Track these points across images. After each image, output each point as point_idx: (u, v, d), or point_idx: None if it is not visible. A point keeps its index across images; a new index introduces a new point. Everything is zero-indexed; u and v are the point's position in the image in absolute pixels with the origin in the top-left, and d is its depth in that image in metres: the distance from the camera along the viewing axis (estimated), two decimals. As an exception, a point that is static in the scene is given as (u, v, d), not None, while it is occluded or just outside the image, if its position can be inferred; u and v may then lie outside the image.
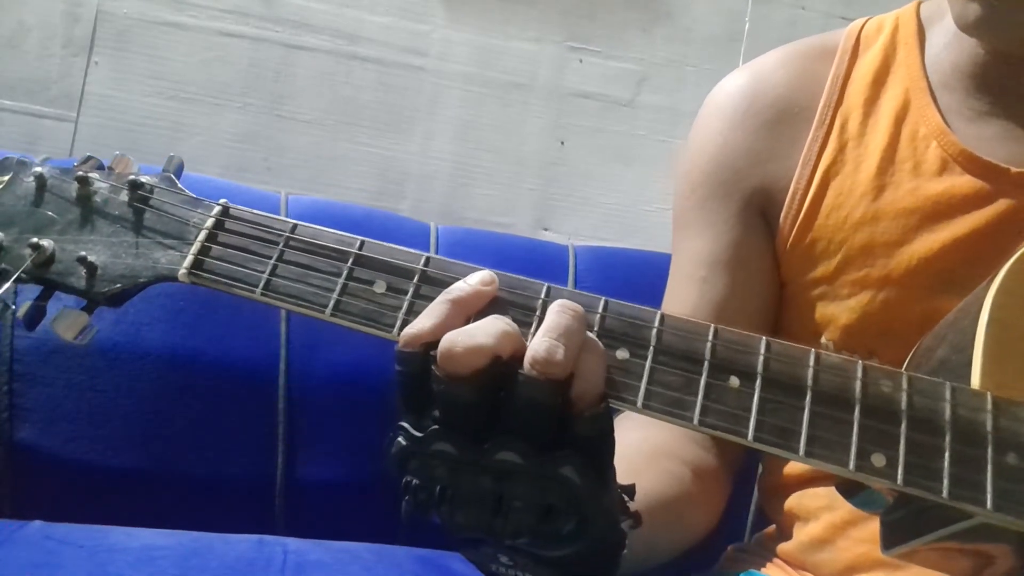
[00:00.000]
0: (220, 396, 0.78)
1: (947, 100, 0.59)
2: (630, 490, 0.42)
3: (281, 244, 0.42)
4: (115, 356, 0.76)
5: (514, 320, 0.38)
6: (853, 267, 0.59)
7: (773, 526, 0.68)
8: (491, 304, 0.39)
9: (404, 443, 0.37)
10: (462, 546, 0.41)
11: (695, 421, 0.37)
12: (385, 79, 1.09)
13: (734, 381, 0.38)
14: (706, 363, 0.38)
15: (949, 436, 0.36)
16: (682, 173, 0.68)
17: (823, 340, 0.60)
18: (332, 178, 1.07)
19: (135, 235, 0.44)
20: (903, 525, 0.39)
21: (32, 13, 1.01)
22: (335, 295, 0.41)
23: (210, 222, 0.43)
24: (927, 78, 0.60)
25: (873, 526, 0.43)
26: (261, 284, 0.42)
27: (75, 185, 0.45)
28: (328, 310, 0.41)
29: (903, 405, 0.37)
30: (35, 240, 0.43)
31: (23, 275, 0.43)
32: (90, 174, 0.45)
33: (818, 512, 0.61)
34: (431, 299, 0.39)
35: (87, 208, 0.45)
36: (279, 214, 0.86)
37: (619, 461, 0.39)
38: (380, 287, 0.41)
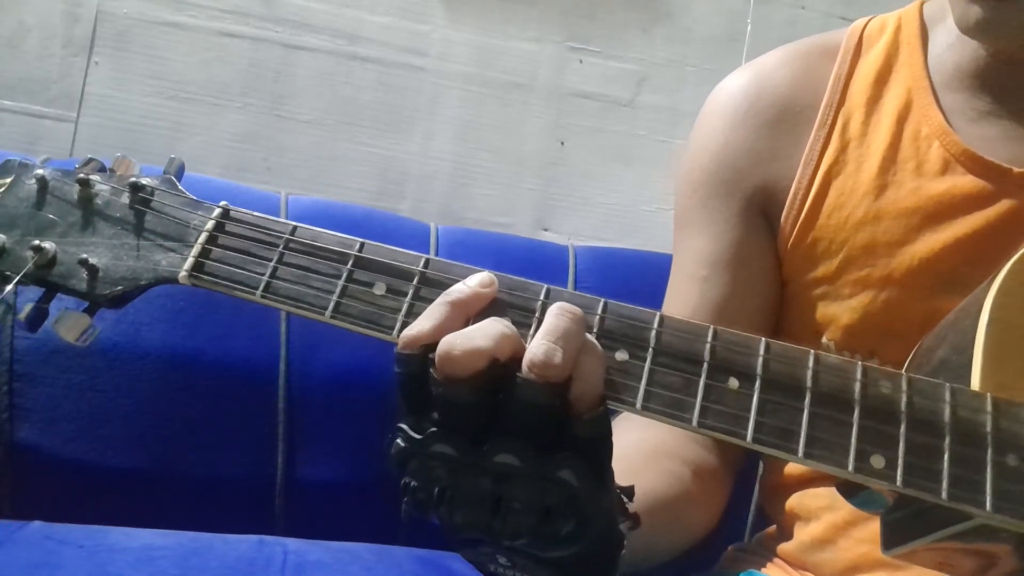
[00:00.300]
0: (220, 396, 0.78)
1: (950, 100, 0.59)
2: (629, 491, 0.42)
3: (281, 246, 0.43)
4: (115, 356, 0.76)
5: (513, 321, 0.38)
6: (854, 267, 0.59)
7: (774, 526, 0.68)
8: (490, 306, 0.39)
9: (403, 444, 0.37)
10: (461, 547, 0.41)
11: (694, 423, 0.37)
12: (385, 79, 1.08)
13: (733, 382, 0.38)
14: (705, 364, 0.38)
15: (949, 437, 0.36)
16: (683, 172, 0.68)
17: (824, 340, 0.60)
18: (332, 178, 1.07)
19: (136, 237, 0.44)
20: (903, 525, 0.39)
21: (32, 13, 1.01)
22: (335, 297, 0.41)
23: (210, 224, 0.43)
24: (930, 78, 0.60)
25: (874, 526, 0.43)
26: (261, 286, 0.42)
27: (76, 187, 0.45)
28: (328, 312, 0.41)
29: (903, 406, 0.37)
30: (37, 242, 0.43)
31: (25, 277, 0.43)
32: (91, 176, 0.45)
33: (819, 512, 0.61)
34: (431, 301, 0.39)
35: (88, 210, 0.45)
36: (279, 214, 0.86)
37: (619, 460, 0.39)
38: (380, 289, 0.41)
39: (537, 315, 0.39)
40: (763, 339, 0.39)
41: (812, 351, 0.38)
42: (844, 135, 0.61)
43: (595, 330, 0.39)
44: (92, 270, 0.43)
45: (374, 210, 0.99)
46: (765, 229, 0.63)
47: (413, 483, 0.37)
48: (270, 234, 0.43)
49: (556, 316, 0.37)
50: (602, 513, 0.38)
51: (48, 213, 0.45)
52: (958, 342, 0.41)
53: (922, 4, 0.63)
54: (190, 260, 0.43)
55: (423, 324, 0.38)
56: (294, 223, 0.43)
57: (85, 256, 0.43)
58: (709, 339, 0.39)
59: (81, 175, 0.45)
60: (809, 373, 0.38)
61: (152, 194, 0.45)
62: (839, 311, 0.59)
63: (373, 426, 0.80)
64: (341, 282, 0.41)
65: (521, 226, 1.11)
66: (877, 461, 0.36)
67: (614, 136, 1.14)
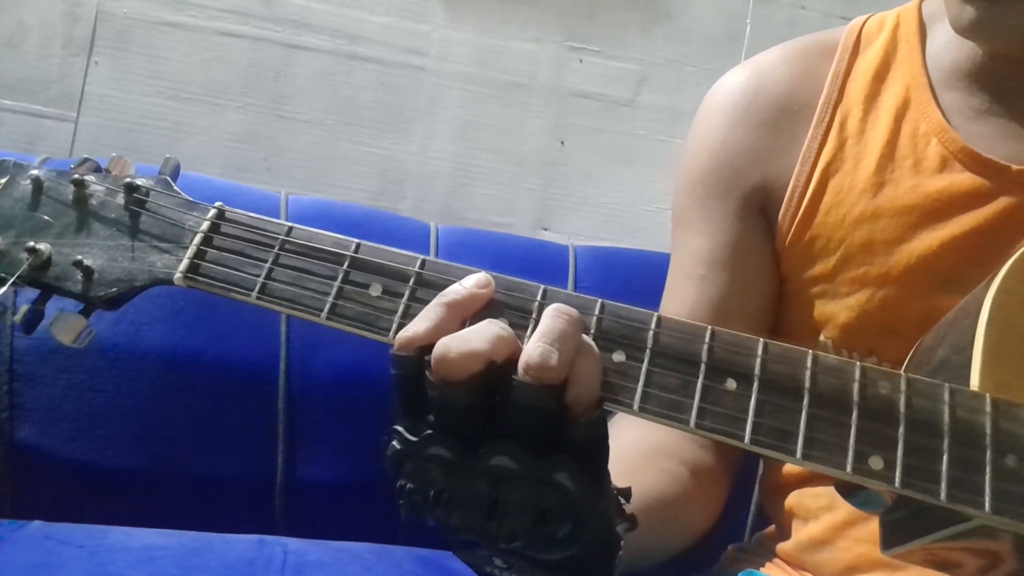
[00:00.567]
0: (220, 396, 0.78)
1: (948, 98, 0.59)
2: (626, 493, 0.42)
3: (276, 247, 0.42)
4: (115, 356, 0.76)
5: (510, 322, 0.38)
6: (852, 265, 0.58)
7: (773, 526, 0.68)
8: (487, 306, 0.39)
9: (399, 447, 0.37)
10: (457, 549, 0.41)
11: (692, 424, 0.37)
12: (385, 79, 1.08)
13: (731, 383, 0.38)
14: (703, 365, 0.38)
15: (948, 438, 0.36)
16: (682, 171, 0.67)
17: (822, 339, 0.60)
18: (332, 178, 1.07)
19: (131, 238, 0.44)
20: (902, 525, 0.39)
21: (32, 13, 1.01)
22: (331, 298, 0.41)
23: (205, 225, 0.43)
24: (928, 76, 0.60)
25: (873, 526, 0.42)
26: (257, 288, 0.42)
27: (71, 188, 0.45)
28: (324, 314, 0.41)
29: (901, 407, 0.37)
30: (32, 244, 0.43)
31: (20, 279, 0.43)
32: (86, 177, 0.45)
33: (818, 512, 0.61)
34: (427, 302, 0.39)
35: (83, 211, 0.45)
36: (279, 214, 0.86)
37: (617, 460, 0.39)
38: (376, 290, 0.41)
39: (534, 316, 0.39)
40: (761, 340, 0.38)
41: (810, 352, 0.38)
42: (842, 132, 0.61)
43: (592, 331, 0.39)
44: (87, 272, 0.43)
45: (374, 210, 0.99)
46: (763, 227, 0.63)
47: (409, 485, 0.37)
48: (266, 235, 0.43)
49: (552, 318, 0.37)
50: (598, 515, 0.38)
51: (43, 214, 0.45)
52: (957, 341, 0.41)
53: (921, 2, 0.63)
54: (185, 261, 0.42)
55: (419, 326, 0.37)
56: (290, 224, 0.43)
57: (80, 257, 0.43)
58: (707, 340, 0.38)
59: (76, 176, 0.45)
60: (807, 374, 0.38)
61: (147, 195, 0.45)
62: (837, 309, 0.59)
63: (373, 426, 0.80)
64: (337, 283, 0.41)
65: (521, 226, 1.11)
66: (876, 462, 0.36)
67: (614, 136, 1.14)
